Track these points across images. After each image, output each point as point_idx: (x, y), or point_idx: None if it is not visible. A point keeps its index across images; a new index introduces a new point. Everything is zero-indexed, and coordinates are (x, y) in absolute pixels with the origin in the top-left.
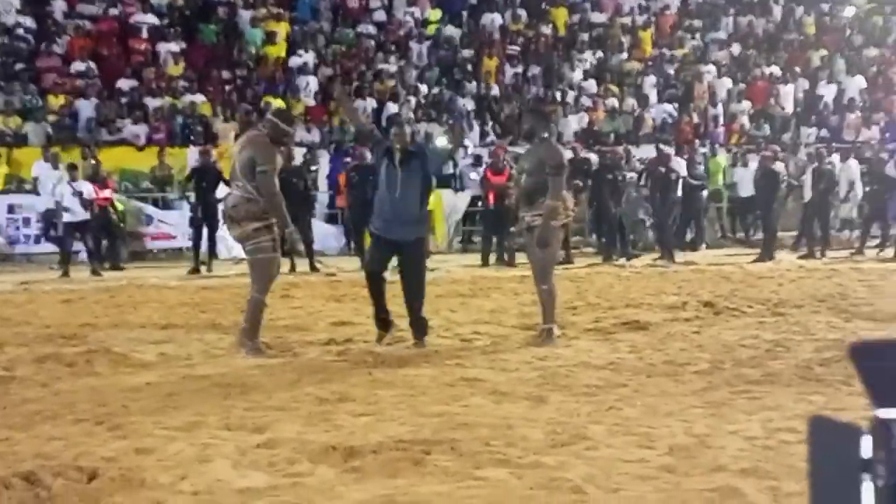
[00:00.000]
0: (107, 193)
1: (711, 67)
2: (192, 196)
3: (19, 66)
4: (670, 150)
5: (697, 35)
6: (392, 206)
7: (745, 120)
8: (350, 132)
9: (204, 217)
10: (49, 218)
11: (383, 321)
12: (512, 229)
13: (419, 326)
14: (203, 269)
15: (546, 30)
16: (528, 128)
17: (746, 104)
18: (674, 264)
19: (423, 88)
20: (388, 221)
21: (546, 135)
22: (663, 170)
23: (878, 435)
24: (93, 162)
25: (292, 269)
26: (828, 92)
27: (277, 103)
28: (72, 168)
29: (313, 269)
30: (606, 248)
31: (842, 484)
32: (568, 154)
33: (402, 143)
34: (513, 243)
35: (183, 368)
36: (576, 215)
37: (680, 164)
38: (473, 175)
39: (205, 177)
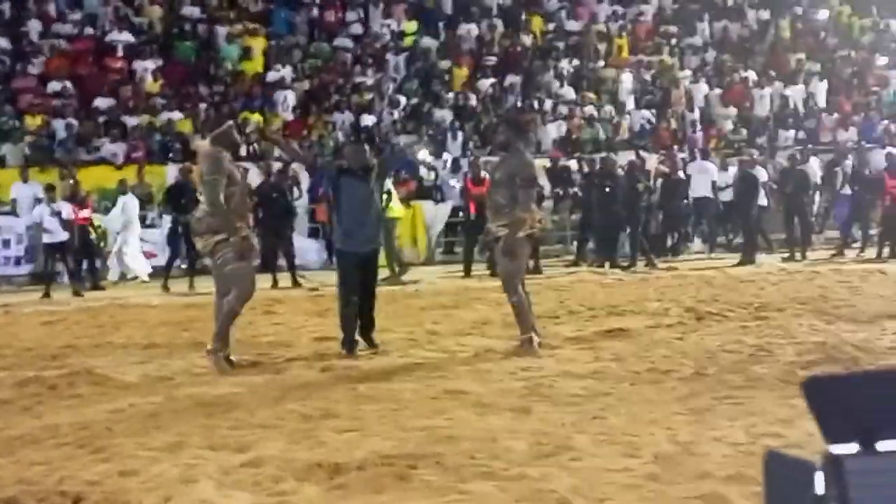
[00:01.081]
0: (86, 213)
1: (688, 73)
2: (171, 213)
3: None
4: (645, 157)
5: (673, 41)
6: (364, 223)
7: (727, 125)
8: (329, 146)
9: (183, 234)
10: None
11: (354, 342)
12: (483, 238)
13: (372, 323)
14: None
15: (525, 39)
16: (502, 139)
17: (732, 110)
18: (656, 270)
19: (402, 100)
20: (362, 238)
21: (520, 146)
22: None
23: (831, 471)
24: (71, 182)
25: (274, 284)
26: (801, 94)
27: (255, 119)
28: (50, 189)
29: (295, 284)
30: (596, 255)
31: None
32: (546, 163)
33: (361, 162)
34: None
35: (166, 388)
36: (559, 223)
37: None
38: (453, 182)
39: (183, 194)
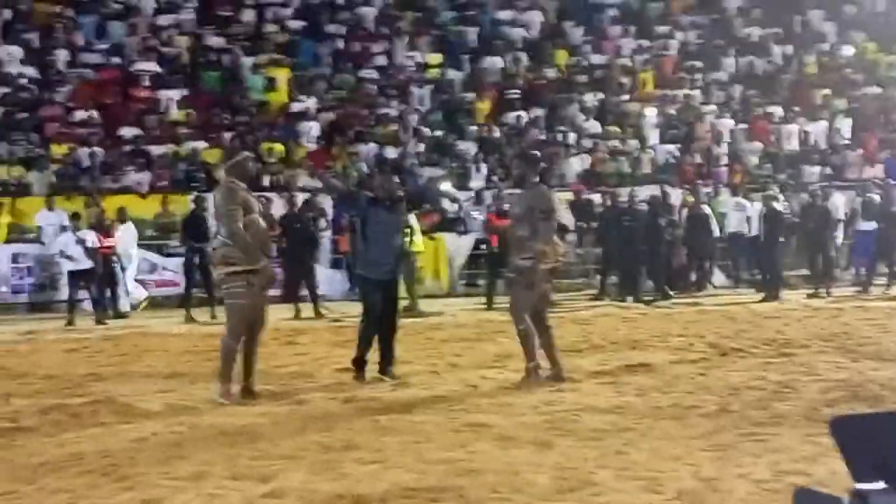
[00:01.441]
0: (111, 242)
1: (713, 107)
2: (187, 244)
3: (22, 115)
4: (669, 192)
5: (698, 76)
6: (388, 251)
7: (753, 159)
8: (353, 177)
9: (199, 264)
10: None
11: (365, 363)
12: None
13: (392, 357)
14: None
15: (548, 72)
16: (518, 173)
17: (757, 145)
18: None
19: (426, 132)
20: (385, 267)
21: (536, 179)
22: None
23: None
24: (97, 210)
25: (297, 314)
26: (826, 131)
27: (277, 149)
28: (75, 217)
29: (318, 314)
30: (618, 289)
31: None
32: (569, 196)
33: (390, 193)
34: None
35: (188, 417)
36: (582, 257)
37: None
38: (476, 214)
39: (198, 224)
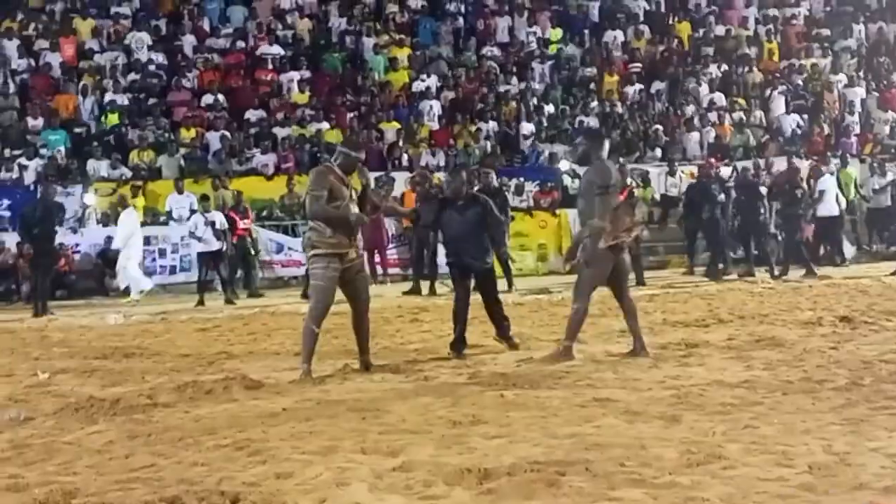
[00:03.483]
0: (246, 223)
1: (842, 76)
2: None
3: (152, 101)
4: (800, 164)
5: (826, 44)
6: (467, 245)
7: (885, 129)
8: (476, 155)
9: None
10: None
11: (462, 344)
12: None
13: (503, 325)
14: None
15: (672, 44)
16: (582, 150)
17: (889, 114)
18: (813, 278)
19: (548, 108)
20: (466, 256)
21: (602, 155)
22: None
23: None
24: (232, 192)
25: (418, 292)
26: None
27: (391, 127)
28: (204, 199)
29: (432, 292)
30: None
31: None
32: (693, 170)
33: (457, 192)
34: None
35: (317, 394)
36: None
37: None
38: None
39: None
